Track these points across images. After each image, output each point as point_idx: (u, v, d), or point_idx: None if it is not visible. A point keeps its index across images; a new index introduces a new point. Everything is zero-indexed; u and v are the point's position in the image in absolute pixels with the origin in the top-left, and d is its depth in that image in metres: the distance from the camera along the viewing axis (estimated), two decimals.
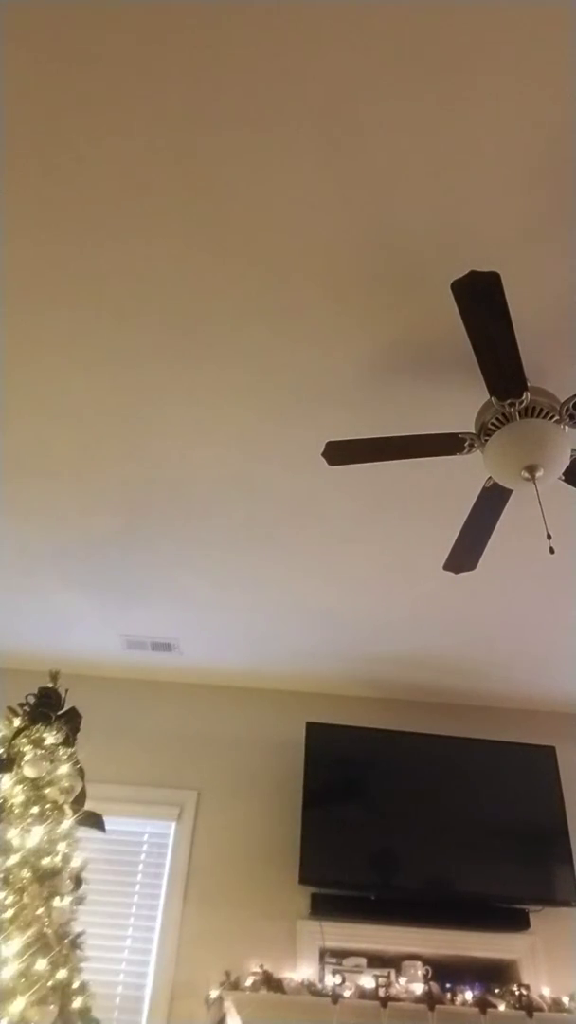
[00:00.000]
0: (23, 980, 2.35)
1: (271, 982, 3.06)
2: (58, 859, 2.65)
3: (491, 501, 2.34)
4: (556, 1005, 3.11)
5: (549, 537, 2.07)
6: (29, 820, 2.68)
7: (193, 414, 2.52)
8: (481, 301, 1.77)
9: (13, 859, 2.57)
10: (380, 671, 3.97)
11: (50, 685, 3.09)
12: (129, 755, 3.84)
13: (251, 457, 2.68)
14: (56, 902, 2.55)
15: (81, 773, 2.91)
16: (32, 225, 1.96)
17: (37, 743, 2.87)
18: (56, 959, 2.46)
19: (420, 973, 3.23)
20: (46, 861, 2.61)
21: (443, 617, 3.52)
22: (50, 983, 2.39)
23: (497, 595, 3.34)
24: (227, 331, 2.22)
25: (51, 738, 2.90)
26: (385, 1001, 2.96)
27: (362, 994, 3.01)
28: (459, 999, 3.04)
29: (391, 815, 3.62)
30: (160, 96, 1.69)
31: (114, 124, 1.74)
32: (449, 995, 3.05)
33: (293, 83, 1.65)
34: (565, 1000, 3.13)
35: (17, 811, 2.69)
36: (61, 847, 2.69)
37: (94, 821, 2.91)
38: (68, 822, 2.77)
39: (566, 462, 2.08)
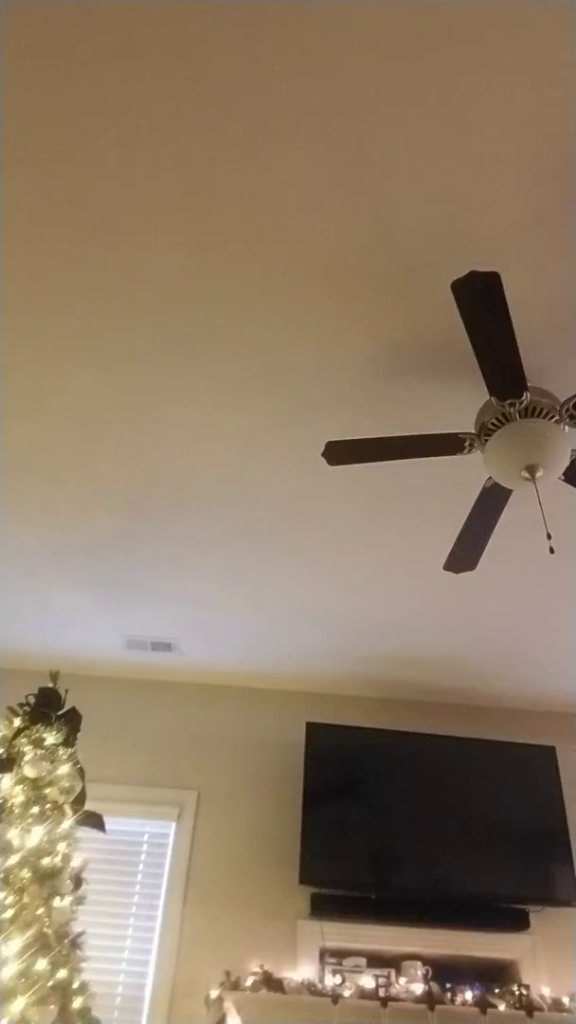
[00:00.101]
0: (23, 980, 2.35)
1: (271, 982, 3.06)
2: (58, 859, 2.65)
3: (491, 501, 2.34)
4: (556, 1005, 3.10)
5: (549, 537, 2.07)
6: (29, 820, 2.68)
7: (193, 414, 2.52)
8: (481, 301, 1.77)
9: (13, 859, 2.57)
10: (380, 671, 3.97)
11: (50, 685, 3.08)
12: (129, 755, 3.84)
13: (251, 457, 2.68)
14: (56, 902, 2.56)
15: (81, 773, 2.92)
16: (32, 225, 1.96)
17: (37, 743, 2.87)
18: (56, 959, 2.46)
19: (420, 973, 3.23)
20: (46, 861, 2.61)
21: (443, 617, 3.52)
22: (50, 983, 2.39)
23: (497, 595, 3.34)
24: (227, 331, 2.22)
25: (51, 738, 2.90)
26: (385, 1001, 2.95)
27: (362, 994, 3.01)
28: (459, 999, 3.03)
29: (391, 815, 3.62)
30: (160, 96, 1.69)
31: (114, 124, 1.74)
32: (449, 995, 3.05)
33: (293, 83, 1.65)
34: (565, 1000, 3.12)
35: (17, 811, 2.69)
36: (61, 847, 2.69)
37: (94, 821, 2.91)
38: (68, 822, 2.77)
39: (566, 462, 2.09)
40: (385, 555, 3.13)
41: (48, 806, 2.75)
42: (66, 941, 2.54)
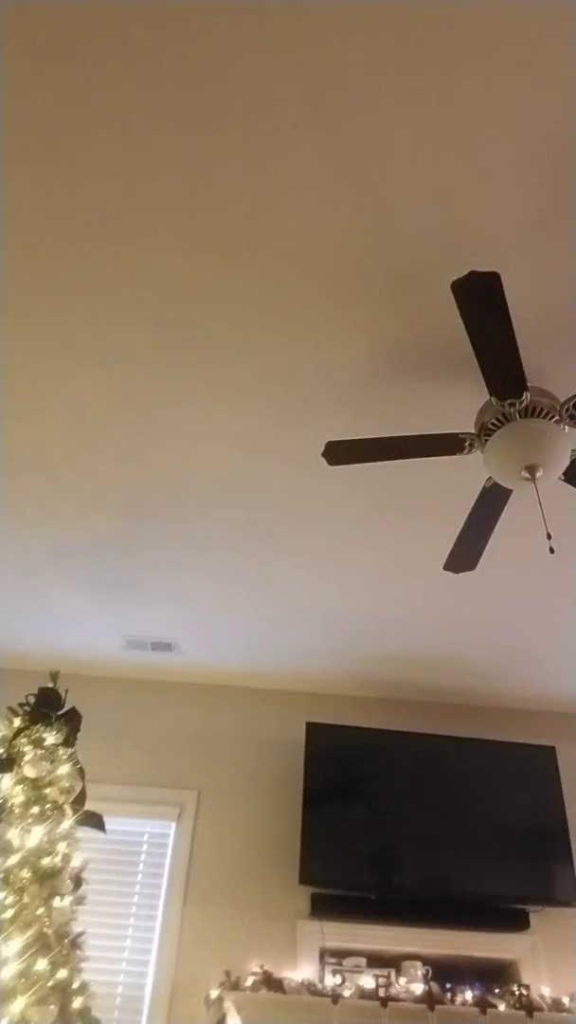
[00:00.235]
0: (23, 980, 2.35)
1: (271, 982, 3.06)
2: (58, 859, 2.65)
3: (491, 501, 2.34)
4: (556, 1005, 3.10)
5: (549, 537, 2.07)
6: (29, 820, 2.68)
7: (193, 414, 2.52)
8: (481, 301, 1.77)
9: (13, 859, 2.57)
10: (380, 671, 3.97)
11: (50, 685, 3.09)
12: (129, 755, 3.84)
13: (251, 457, 2.68)
14: (56, 902, 2.56)
15: (81, 773, 2.92)
16: (32, 225, 1.96)
17: (37, 743, 2.87)
18: (56, 959, 2.46)
19: (420, 973, 3.23)
20: (46, 861, 2.61)
21: (443, 617, 3.52)
22: (50, 983, 2.39)
23: (497, 595, 3.34)
24: (227, 331, 2.22)
25: (51, 738, 2.90)
26: (385, 1001, 2.95)
27: (362, 994, 3.01)
28: (459, 999, 3.03)
29: (391, 815, 3.62)
30: (160, 96, 1.69)
31: (113, 124, 1.74)
32: (449, 995, 3.05)
33: (293, 83, 1.65)
34: (565, 1000, 3.12)
35: (17, 811, 2.69)
36: (61, 847, 2.69)
37: (94, 821, 2.91)
38: (68, 822, 2.77)
39: (566, 462, 2.09)
40: (385, 555, 3.13)
41: (48, 806, 2.75)
42: (66, 941, 2.54)
